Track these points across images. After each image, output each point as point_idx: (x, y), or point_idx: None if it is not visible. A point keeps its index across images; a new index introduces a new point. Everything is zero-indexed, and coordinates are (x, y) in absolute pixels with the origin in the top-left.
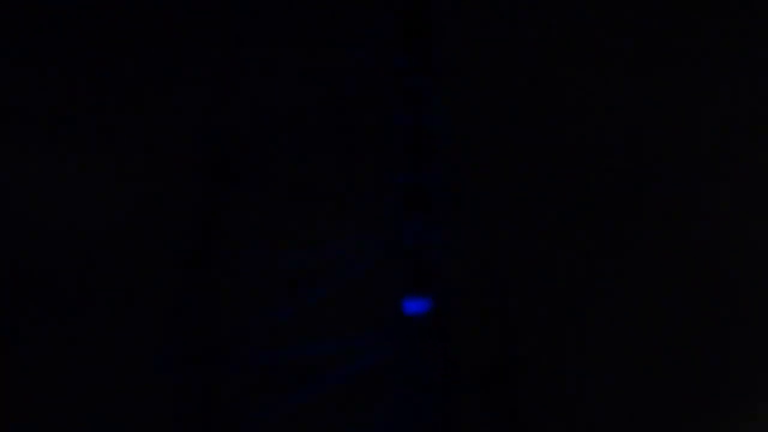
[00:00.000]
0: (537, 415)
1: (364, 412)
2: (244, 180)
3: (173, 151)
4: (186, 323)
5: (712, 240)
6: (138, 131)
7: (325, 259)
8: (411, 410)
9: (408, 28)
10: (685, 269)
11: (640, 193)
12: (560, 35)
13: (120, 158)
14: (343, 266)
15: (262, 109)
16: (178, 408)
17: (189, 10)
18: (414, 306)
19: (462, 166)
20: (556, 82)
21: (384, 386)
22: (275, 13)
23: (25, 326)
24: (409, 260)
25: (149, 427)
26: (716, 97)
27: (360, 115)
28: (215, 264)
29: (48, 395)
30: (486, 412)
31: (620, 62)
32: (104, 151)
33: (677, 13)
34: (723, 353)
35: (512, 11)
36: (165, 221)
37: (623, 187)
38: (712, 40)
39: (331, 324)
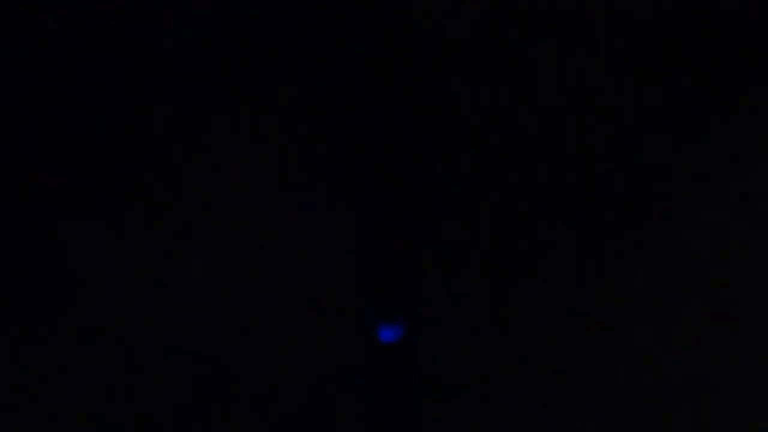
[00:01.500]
0: None
1: None
2: None
3: None
4: None
5: (712, 241)
6: None
7: None
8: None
9: (377, 23)
10: (683, 271)
11: (633, 193)
12: (543, 23)
13: None
14: None
15: None
16: None
17: None
18: (388, 333)
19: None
20: (542, 72)
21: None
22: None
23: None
24: (380, 287)
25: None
26: (717, 96)
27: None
28: None
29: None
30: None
31: (616, 58)
32: None
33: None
34: (722, 357)
35: None
36: None
37: (620, 188)
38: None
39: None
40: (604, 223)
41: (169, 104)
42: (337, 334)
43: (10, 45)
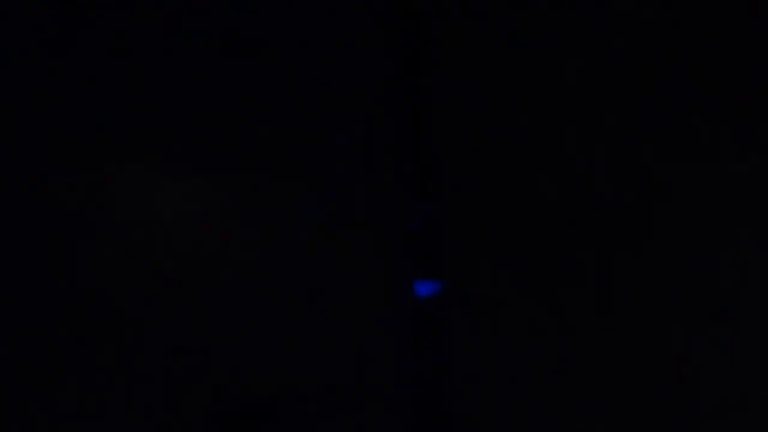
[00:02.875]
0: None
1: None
2: None
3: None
4: None
5: (712, 241)
6: None
7: None
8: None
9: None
10: (683, 274)
11: (646, 192)
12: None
13: None
14: None
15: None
16: None
17: None
18: (425, 288)
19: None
20: (560, 74)
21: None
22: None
23: None
24: (417, 242)
25: None
26: (717, 96)
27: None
28: None
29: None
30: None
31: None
32: None
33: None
34: (722, 357)
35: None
36: None
37: (629, 180)
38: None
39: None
40: (608, 223)
41: (169, 104)
42: (372, 290)
43: (10, 45)
